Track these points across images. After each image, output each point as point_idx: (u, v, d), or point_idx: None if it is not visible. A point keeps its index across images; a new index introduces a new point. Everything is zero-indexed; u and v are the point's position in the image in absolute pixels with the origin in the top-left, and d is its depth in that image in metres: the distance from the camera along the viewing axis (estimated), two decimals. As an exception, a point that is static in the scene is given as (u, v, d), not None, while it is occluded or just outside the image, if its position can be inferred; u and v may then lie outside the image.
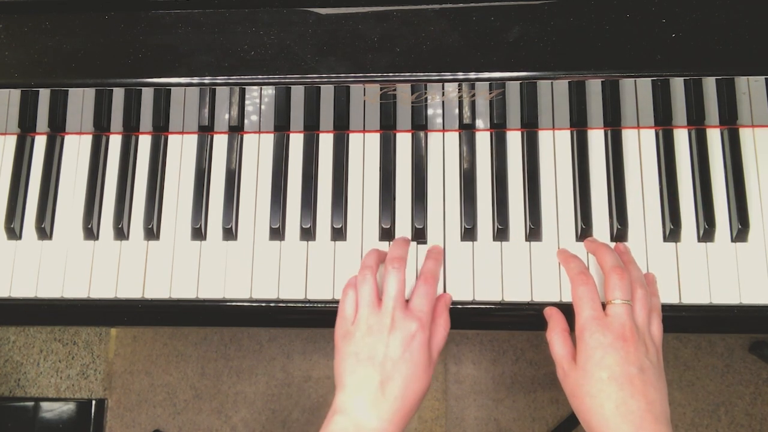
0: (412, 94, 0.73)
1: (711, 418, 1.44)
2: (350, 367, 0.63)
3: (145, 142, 0.79)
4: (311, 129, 0.77)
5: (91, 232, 0.76)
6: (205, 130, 0.78)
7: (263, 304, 0.74)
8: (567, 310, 0.69)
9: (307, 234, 0.74)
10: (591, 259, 0.72)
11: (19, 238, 0.77)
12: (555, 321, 0.68)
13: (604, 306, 0.64)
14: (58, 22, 0.69)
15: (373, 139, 0.77)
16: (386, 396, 0.61)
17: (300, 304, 0.74)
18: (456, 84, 0.70)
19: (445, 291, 0.72)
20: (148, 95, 0.75)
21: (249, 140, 0.78)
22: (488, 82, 0.69)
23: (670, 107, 0.73)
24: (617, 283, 0.64)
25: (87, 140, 0.79)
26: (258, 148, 0.78)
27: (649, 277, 0.70)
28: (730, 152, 0.74)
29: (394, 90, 0.71)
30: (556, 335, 0.67)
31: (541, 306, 0.71)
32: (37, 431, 1.09)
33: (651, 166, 0.74)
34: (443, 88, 0.71)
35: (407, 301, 0.67)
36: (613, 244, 0.72)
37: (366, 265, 0.68)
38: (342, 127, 0.77)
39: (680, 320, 0.71)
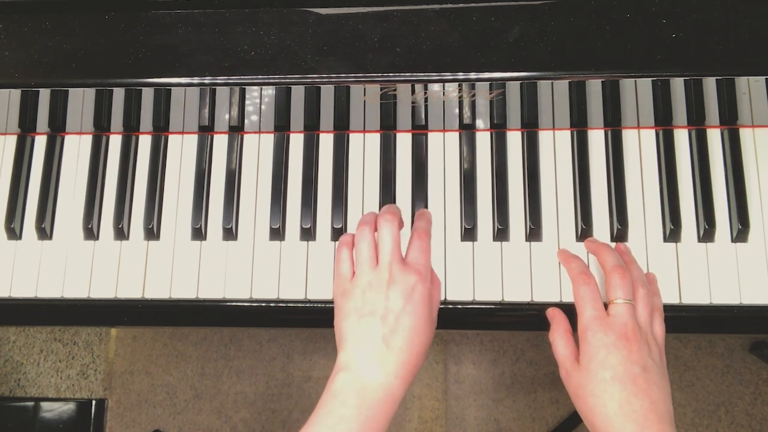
0: (412, 94, 0.73)
1: (711, 419, 1.44)
2: (352, 324, 0.62)
3: (145, 142, 0.79)
4: (311, 129, 0.77)
5: (91, 232, 0.76)
6: (206, 130, 0.78)
7: (263, 304, 0.74)
8: (568, 310, 0.69)
9: (308, 234, 0.74)
10: (591, 259, 0.72)
11: (19, 238, 0.77)
12: (557, 322, 0.68)
13: (606, 306, 0.64)
14: (58, 22, 0.69)
15: (374, 139, 0.77)
16: (391, 349, 0.60)
17: (300, 304, 0.74)
18: (456, 84, 0.70)
19: (445, 291, 0.72)
20: (148, 95, 0.75)
21: (249, 140, 0.78)
22: (488, 82, 0.69)
23: (670, 107, 0.73)
24: (618, 283, 0.64)
25: (87, 140, 0.79)
26: (258, 148, 0.78)
27: (649, 277, 0.70)
28: (731, 152, 0.74)
29: (394, 90, 0.71)
30: (558, 336, 0.67)
31: (541, 306, 0.71)
32: (37, 431, 1.09)
33: (651, 166, 0.74)
34: (443, 88, 0.71)
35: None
36: (613, 245, 0.72)
37: (364, 221, 0.66)
38: (342, 127, 0.77)
39: (680, 320, 0.71)
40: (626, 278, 0.64)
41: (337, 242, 0.74)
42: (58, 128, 0.79)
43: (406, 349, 0.60)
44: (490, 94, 0.72)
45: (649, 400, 0.59)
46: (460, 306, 0.72)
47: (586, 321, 0.63)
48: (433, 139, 0.77)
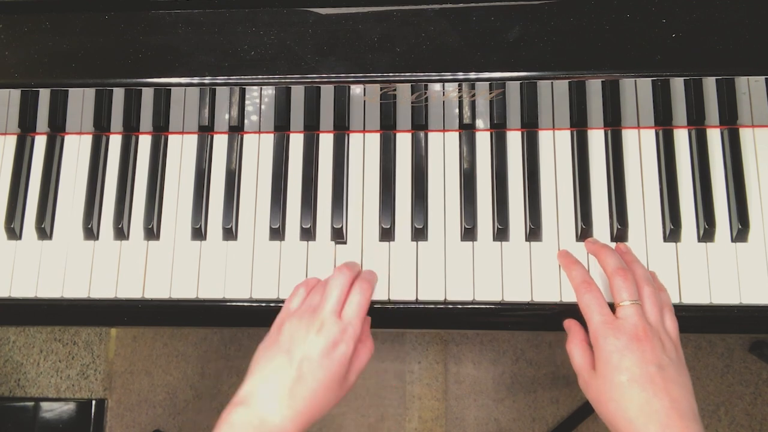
0: (412, 94, 0.73)
1: (711, 418, 1.44)
2: (268, 355, 0.63)
3: (145, 142, 0.79)
4: (311, 129, 0.77)
5: (91, 232, 0.76)
6: (205, 130, 0.78)
7: (263, 304, 0.74)
8: (568, 311, 0.69)
9: (307, 234, 0.74)
10: (591, 259, 0.72)
11: (19, 238, 0.77)
12: (573, 332, 0.67)
13: (613, 310, 0.64)
14: (58, 22, 0.69)
15: (373, 139, 0.77)
16: (293, 395, 0.60)
17: (300, 304, 0.73)
18: (456, 84, 0.70)
19: (445, 291, 0.72)
20: (148, 95, 0.75)
21: (249, 140, 0.78)
22: (488, 82, 0.69)
23: (670, 107, 0.73)
24: (622, 285, 0.64)
25: (87, 140, 0.79)
26: (258, 148, 0.78)
27: (653, 275, 0.70)
28: (731, 152, 0.74)
29: (394, 90, 0.71)
30: (574, 346, 0.66)
31: (541, 306, 0.71)
32: (37, 431, 1.09)
33: (651, 166, 0.74)
34: (443, 88, 0.71)
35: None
36: (613, 245, 0.72)
37: (340, 271, 0.67)
38: (342, 127, 0.77)
39: (680, 320, 0.71)
40: (629, 279, 0.64)
41: (336, 243, 0.74)
42: (58, 128, 0.79)
43: (308, 400, 0.60)
44: (490, 94, 0.72)
45: (669, 398, 0.58)
46: (460, 306, 0.72)
47: (596, 327, 0.63)
48: (433, 139, 0.77)
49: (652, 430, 0.57)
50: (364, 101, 0.74)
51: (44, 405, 1.10)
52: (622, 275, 0.64)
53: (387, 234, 0.74)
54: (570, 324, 0.69)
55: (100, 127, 0.79)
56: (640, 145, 0.75)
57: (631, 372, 0.59)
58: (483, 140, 0.76)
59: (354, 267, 0.68)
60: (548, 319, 0.72)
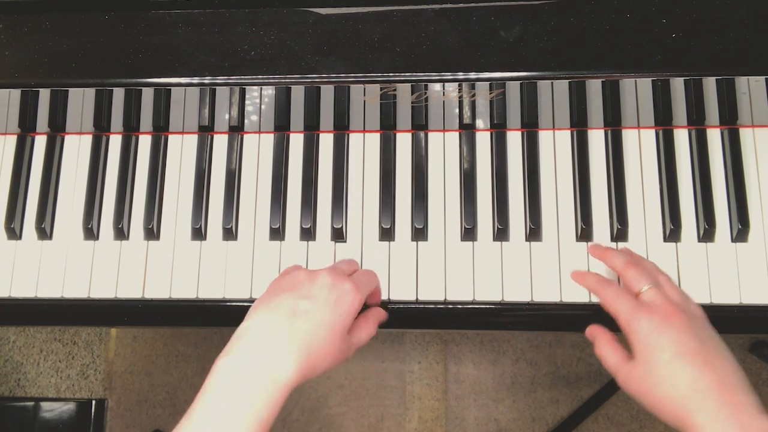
0: (412, 94, 0.73)
1: (711, 418, 1.44)
2: (267, 299, 0.60)
3: (145, 142, 0.79)
4: (311, 129, 0.77)
5: (91, 232, 0.76)
6: (206, 130, 0.78)
7: (263, 304, 0.74)
8: (568, 311, 0.69)
9: (307, 234, 0.74)
10: (592, 262, 0.72)
11: (19, 238, 0.77)
12: (599, 335, 0.65)
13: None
14: (58, 22, 0.69)
15: (373, 139, 0.77)
16: (294, 328, 0.56)
17: (300, 304, 0.73)
18: (456, 84, 0.70)
19: (445, 291, 0.72)
20: (148, 95, 0.75)
21: (249, 140, 0.78)
22: (488, 82, 0.69)
23: (670, 107, 0.73)
24: (636, 275, 0.63)
25: (87, 140, 0.79)
26: (258, 148, 0.78)
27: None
28: (731, 152, 0.74)
29: (394, 90, 0.71)
30: (603, 347, 0.63)
31: (541, 306, 0.71)
32: (37, 431, 1.09)
33: (651, 166, 0.74)
34: (443, 88, 0.71)
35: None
36: (614, 245, 0.72)
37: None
38: (342, 127, 0.77)
39: (680, 320, 0.71)
40: (640, 268, 0.64)
41: (336, 242, 0.74)
42: (58, 128, 0.79)
43: (309, 336, 0.57)
44: (490, 94, 0.72)
45: (715, 372, 0.55)
46: (460, 306, 0.72)
47: (626, 314, 0.61)
48: (433, 139, 0.77)
49: (710, 406, 0.54)
50: (364, 101, 0.74)
51: (44, 405, 1.10)
52: (634, 267, 0.64)
53: (387, 234, 0.74)
54: (593, 330, 0.66)
55: (100, 127, 0.79)
56: (640, 145, 0.75)
57: (672, 348, 0.57)
58: (483, 140, 0.76)
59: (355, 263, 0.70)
60: (548, 319, 0.72)
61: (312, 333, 0.57)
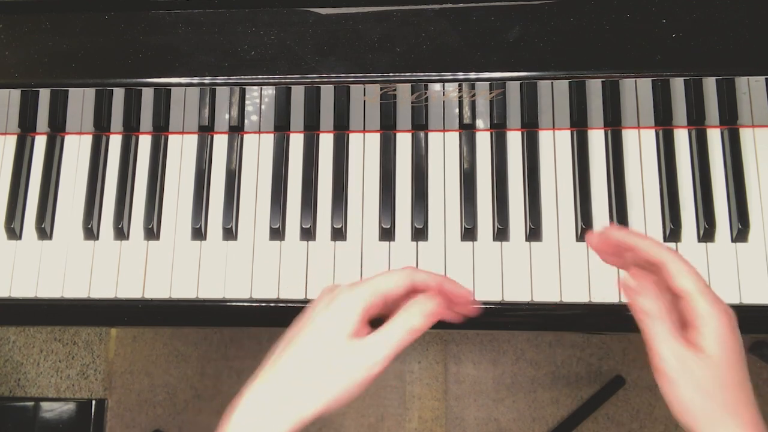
0: (412, 94, 0.73)
1: (711, 418, 1.44)
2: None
3: (145, 142, 0.79)
4: (311, 129, 0.77)
5: (91, 232, 0.76)
6: (206, 130, 0.78)
7: (263, 304, 0.74)
8: (568, 311, 0.69)
9: (307, 234, 0.74)
10: (591, 261, 0.72)
11: (19, 238, 0.77)
12: (658, 319, 0.50)
13: None
14: (58, 22, 0.69)
15: (373, 139, 0.77)
16: (278, 358, 0.49)
17: (300, 304, 0.73)
18: (456, 84, 0.70)
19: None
20: (148, 95, 0.75)
21: (249, 140, 0.78)
22: (488, 82, 0.69)
23: (670, 107, 0.73)
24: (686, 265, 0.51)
25: (87, 140, 0.79)
26: (258, 148, 0.78)
27: None
28: (731, 152, 0.74)
29: (394, 90, 0.71)
30: (665, 340, 0.49)
31: (541, 306, 0.71)
32: (37, 431, 1.09)
33: (651, 166, 0.74)
34: (443, 88, 0.71)
35: None
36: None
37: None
38: (342, 127, 0.77)
39: (680, 320, 0.71)
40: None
41: (336, 242, 0.74)
42: (58, 128, 0.79)
43: (289, 358, 0.49)
44: (490, 94, 0.72)
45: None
46: (460, 306, 0.72)
47: (698, 291, 0.48)
48: (433, 139, 0.77)
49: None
50: (364, 101, 0.74)
51: (44, 405, 1.10)
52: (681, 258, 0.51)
53: (387, 234, 0.74)
54: (633, 273, 0.52)
55: (100, 127, 0.79)
56: (640, 145, 0.75)
57: (744, 368, 0.49)
58: (483, 140, 0.76)
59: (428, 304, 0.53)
60: (548, 319, 0.72)
61: (294, 350, 0.49)
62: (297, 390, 0.48)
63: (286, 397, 0.48)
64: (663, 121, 0.74)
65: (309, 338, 0.50)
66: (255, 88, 0.74)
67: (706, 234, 0.71)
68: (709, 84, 0.71)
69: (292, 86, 0.74)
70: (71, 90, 0.74)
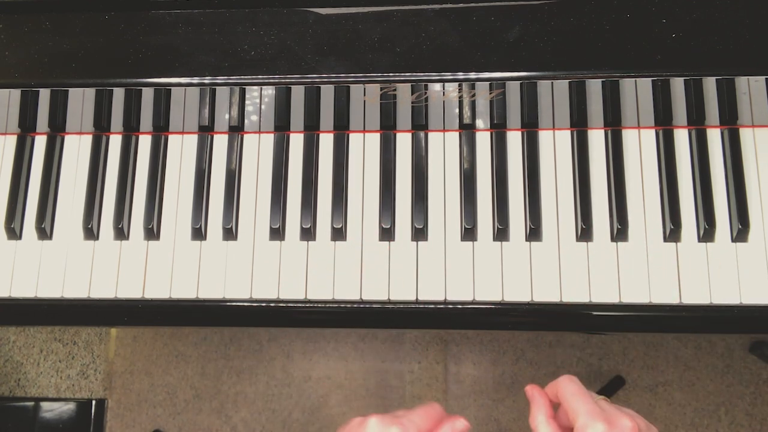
0: (412, 94, 0.73)
1: (711, 419, 1.44)
2: None
3: (145, 142, 0.79)
4: (311, 129, 0.77)
5: (91, 232, 0.76)
6: (206, 130, 0.78)
7: (263, 304, 0.74)
8: (568, 311, 0.69)
9: (307, 234, 0.74)
10: (591, 261, 0.72)
11: (19, 238, 0.77)
12: (538, 405, 0.60)
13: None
14: (58, 22, 0.69)
15: (373, 139, 0.77)
16: None
17: (300, 304, 0.74)
18: (456, 84, 0.70)
19: (445, 291, 0.72)
20: (148, 95, 0.75)
21: (249, 140, 0.78)
22: (488, 82, 0.69)
23: (670, 107, 0.73)
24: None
25: (87, 140, 0.79)
26: (258, 148, 0.78)
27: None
28: (731, 152, 0.74)
29: (394, 90, 0.71)
30: (541, 422, 0.58)
31: (542, 306, 0.71)
32: (37, 431, 1.09)
33: (651, 166, 0.74)
34: (443, 88, 0.71)
35: None
36: (614, 245, 0.72)
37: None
38: (342, 127, 0.77)
39: (680, 320, 0.71)
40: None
41: (336, 242, 0.74)
42: (58, 128, 0.79)
43: None
44: (490, 94, 0.72)
45: None
46: (460, 306, 0.72)
47: (585, 417, 0.55)
48: (433, 139, 0.77)
49: None
50: (364, 101, 0.74)
51: (44, 405, 1.10)
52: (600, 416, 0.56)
53: (387, 234, 0.74)
54: (534, 391, 0.61)
55: (100, 127, 0.79)
56: (640, 145, 0.75)
57: None
58: (483, 140, 0.76)
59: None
60: (548, 319, 0.72)
61: None
62: None
63: None
64: (663, 121, 0.74)
65: None
66: (255, 88, 0.74)
67: (706, 234, 0.71)
68: (709, 84, 0.71)
69: (292, 86, 0.74)
70: (71, 90, 0.74)
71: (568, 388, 0.58)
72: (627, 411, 0.57)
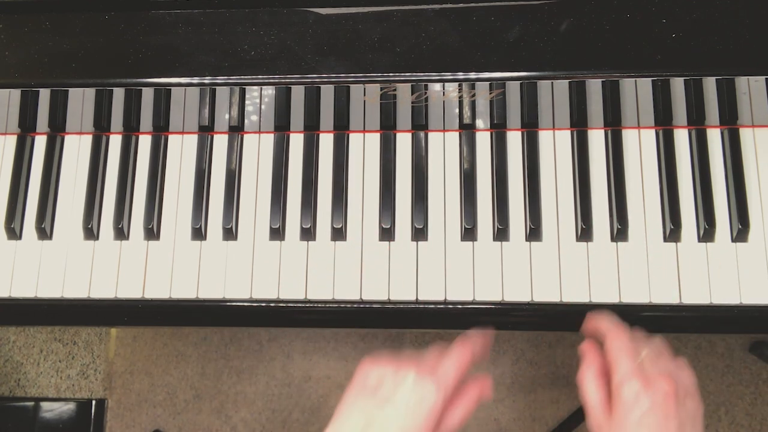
0: (412, 94, 0.73)
1: (711, 419, 1.44)
2: (352, 399, 0.61)
3: (145, 142, 0.79)
4: (311, 129, 0.77)
5: (91, 232, 0.76)
6: (206, 130, 0.78)
7: (263, 304, 0.74)
8: (568, 311, 0.69)
9: (307, 234, 0.74)
10: (591, 261, 0.72)
11: (19, 238, 0.77)
12: (590, 360, 0.62)
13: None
14: (58, 22, 0.69)
15: (374, 139, 0.77)
16: None
17: (300, 304, 0.74)
18: (456, 84, 0.70)
19: (445, 291, 0.72)
20: (148, 95, 0.75)
21: (249, 140, 0.78)
22: (488, 82, 0.69)
23: (670, 107, 0.73)
24: (641, 338, 0.62)
25: (87, 140, 0.79)
26: (258, 148, 0.78)
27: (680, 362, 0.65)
28: (731, 152, 0.74)
29: (394, 90, 0.71)
30: (589, 378, 0.61)
31: (542, 306, 0.71)
32: (37, 431, 1.09)
33: (651, 166, 0.74)
34: (443, 88, 0.71)
35: None
36: (614, 245, 0.72)
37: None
38: (342, 127, 0.77)
39: (680, 320, 0.71)
40: (644, 341, 0.61)
41: (336, 242, 0.74)
42: (58, 128, 0.79)
43: None
44: (490, 94, 0.72)
45: None
46: (460, 306, 0.72)
47: (623, 373, 0.58)
48: (433, 139, 0.77)
49: None
50: (364, 101, 0.74)
51: (44, 405, 1.10)
52: (638, 341, 0.61)
53: (387, 234, 0.74)
54: (587, 348, 0.63)
55: (100, 127, 0.79)
56: (640, 145, 0.75)
57: (650, 429, 0.56)
58: (483, 140, 0.76)
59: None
60: (548, 319, 0.72)
61: None
62: None
63: None
64: (663, 121, 0.74)
65: (408, 424, 0.58)
66: (255, 88, 0.74)
67: (706, 234, 0.71)
68: (709, 84, 0.71)
69: (292, 86, 0.74)
70: (71, 90, 0.74)
71: (615, 343, 0.61)
72: (670, 370, 0.60)
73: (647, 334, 0.64)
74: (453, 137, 0.77)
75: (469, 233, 0.73)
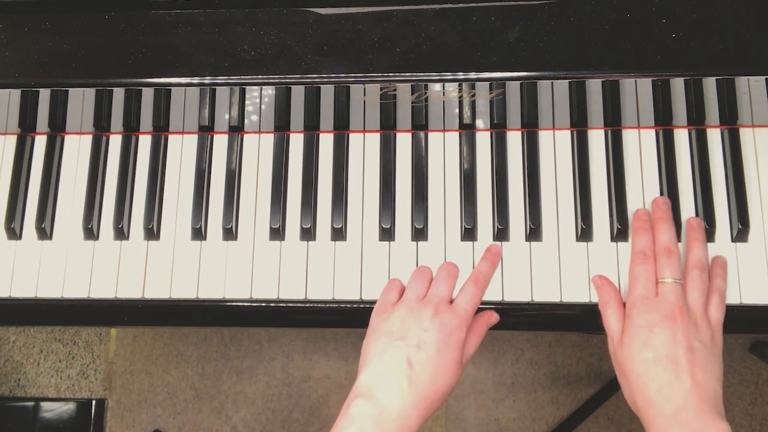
0: (412, 94, 0.73)
1: (711, 418, 1.44)
2: (381, 345, 0.63)
3: (145, 142, 0.79)
4: (311, 129, 0.77)
5: (91, 232, 0.76)
6: (206, 130, 0.78)
7: (263, 304, 0.74)
8: (568, 311, 0.69)
9: (307, 234, 0.74)
10: (591, 261, 0.72)
11: (19, 238, 0.77)
12: (608, 293, 0.67)
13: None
14: (58, 22, 0.69)
15: (373, 139, 0.77)
16: (413, 381, 0.60)
17: (300, 304, 0.74)
18: (456, 84, 0.70)
19: (445, 291, 0.72)
20: (148, 95, 0.75)
21: (249, 140, 0.78)
22: (488, 82, 0.69)
23: (670, 107, 0.73)
24: (666, 262, 0.65)
25: (87, 140, 0.79)
26: (258, 148, 0.78)
27: (718, 261, 0.69)
28: (731, 152, 0.74)
29: (394, 90, 0.71)
30: (611, 309, 0.66)
31: (542, 306, 0.71)
32: (37, 431, 1.09)
33: (651, 166, 0.74)
34: (443, 88, 0.71)
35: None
36: (614, 244, 0.72)
37: (423, 268, 0.70)
38: (342, 127, 0.77)
39: (680, 320, 0.71)
40: (673, 257, 0.65)
41: (336, 242, 0.74)
42: (58, 128, 0.79)
43: (428, 384, 0.60)
44: (490, 94, 0.72)
45: (692, 381, 0.58)
46: (460, 306, 0.72)
47: (634, 299, 0.64)
48: (433, 139, 0.77)
49: (668, 409, 0.57)
50: (364, 101, 0.74)
51: (44, 405, 1.10)
52: (667, 255, 0.65)
53: (387, 234, 0.74)
54: (603, 282, 0.68)
55: (100, 127, 0.79)
56: (640, 145, 0.75)
57: (657, 350, 0.59)
58: (483, 140, 0.76)
59: (454, 272, 0.70)
60: (548, 319, 0.72)
61: (431, 378, 0.61)
62: (425, 405, 0.60)
63: (418, 410, 0.60)
64: (663, 121, 0.74)
65: (438, 372, 0.61)
66: (255, 88, 0.74)
67: (707, 234, 0.71)
68: (709, 84, 0.71)
69: (292, 86, 0.74)
70: (71, 90, 0.74)
71: (633, 269, 0.66)
72: (693, 299, 0.64)
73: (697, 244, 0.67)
74: (453, 137, 0.77)
75: (469, 233, 0.73)
